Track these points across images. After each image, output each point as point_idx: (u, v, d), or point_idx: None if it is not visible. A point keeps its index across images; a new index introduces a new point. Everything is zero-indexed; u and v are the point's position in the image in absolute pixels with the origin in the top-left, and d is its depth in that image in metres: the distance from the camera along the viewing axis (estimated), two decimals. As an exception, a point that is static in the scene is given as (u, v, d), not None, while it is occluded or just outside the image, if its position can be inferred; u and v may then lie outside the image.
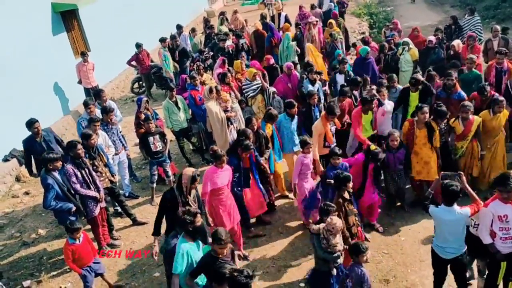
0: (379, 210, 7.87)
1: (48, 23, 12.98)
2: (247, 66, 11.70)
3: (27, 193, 10.23)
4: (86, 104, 9.13)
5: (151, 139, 8.86)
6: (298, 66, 12.59)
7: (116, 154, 8.96)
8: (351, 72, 11.01)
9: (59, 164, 7.16)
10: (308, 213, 7.73)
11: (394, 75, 10.20)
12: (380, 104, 8.85)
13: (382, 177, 7.95)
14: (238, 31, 15.33)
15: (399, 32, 14.29)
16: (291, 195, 8.55)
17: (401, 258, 7.16)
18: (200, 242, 5.54)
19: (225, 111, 9.69)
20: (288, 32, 13.85)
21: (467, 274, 6.22)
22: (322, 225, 5.93)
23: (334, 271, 5.84)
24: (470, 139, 8.04)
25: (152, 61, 14.98)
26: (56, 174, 7.15)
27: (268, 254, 7.52)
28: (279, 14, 17.33)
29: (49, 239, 8.54)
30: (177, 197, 6.26)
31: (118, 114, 10.03)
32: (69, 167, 7.24)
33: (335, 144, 8.47)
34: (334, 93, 10.88)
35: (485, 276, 6.00)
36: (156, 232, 6.47)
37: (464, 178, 5.69)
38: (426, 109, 7.74)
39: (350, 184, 6.57)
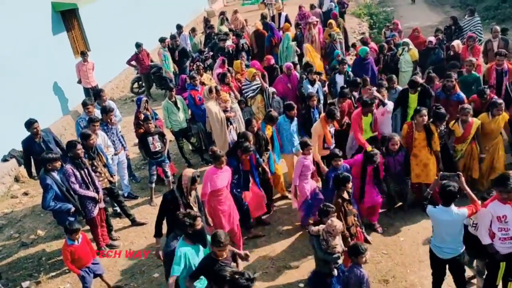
0: (380, 210, 7.87)
1: (48, 22, 12.97)
2: (247, 66, 11.70)
3: (26, 194, 10.22)
4: (84, 104, 9.12)
5: (150, 139, 8.85)
6: (298, 67, 12.58)
7: (115, 154, 8.95)
8: (350, 73, 11.00)
9: (58, 164, 7.15)
10: (308, 215, 7.73)
11: (394, 76, 10.19)
12: (383, 104, 8.85)
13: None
14: (238, 31, 15.32)
15: (400, 32, 14.29)
16: (290, 196, 8.53)
17: (400, 258, 7.16)
18: (200, 246, 5.51)
19: (225, 111, 9.69)
20: (288, 32, 13.85)
21: (471, 273, 6.23)
22: (321, 227, 5.92)
23: (335, 272, 5.83)
24: (470, 141, 8.04)
25: (152, 61, 14.97)
26: (55, 174, 7.14)
27: (268, 254, 7.52)
28: (279, 14, 17.32)
29: (48, 240, 8.53)
30: (178, 198, 6.27)
31: (118, 114, 10.02)
32: (68, 167, 7.23)
33: (334, 145, 8.46)
34: (334, 93, 10.88)
35: (484, 276, 6.00)
36: (157, 234, 6.50)
37: (463, 178, 5.68)
38: (425, 112, 7.73)
39: (350, 185, 6.59)
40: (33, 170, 8.87)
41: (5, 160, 10.71)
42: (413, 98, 8.99)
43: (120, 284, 7.24)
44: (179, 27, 16.37)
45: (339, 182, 6.59)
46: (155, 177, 9.18)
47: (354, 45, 15.26)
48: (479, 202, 5.62)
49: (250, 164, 7.71)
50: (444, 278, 6.01)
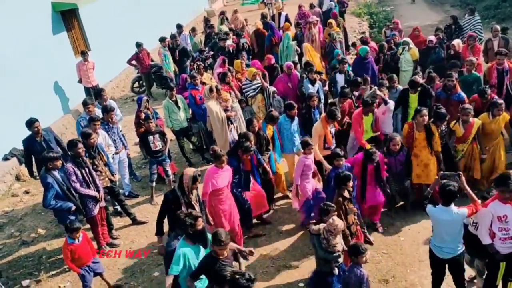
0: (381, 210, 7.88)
1: (48, 22, 12.98)
2: (248, 65, 11.71)
3: (27, 192, 10.23)
4: (85, 104, 9.12)
5: (151, 138, 8.86)
6: (298, 66, 12.58)
7: (116, 153, 8.95)
8: (350, 72, 11.00)
9: (59, 163, 7.17)
10: (309, 215, 7.73)
11: (395, 76, 10.20)
12: (385, 102, 8.87)
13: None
14: (238, 31, 15.33)
15: (400, 32, 14.29)
16: (290, 195, 8.54)
17: (401, 258, 7.16)
18: (201, 247, 5.52)
19: (225, 110, 9.69)
20: (288, 31, 13.85)
21: (473, 273, 6.23)
22: (322, 225, 5.93)
23: (336, 271, 5.83)
24: (470, 141, 8.04)
25: (152, 61, 14.97)
26: (56, 173, 7.15)
27: (268, 254, 7.53)
28: (279, 14, 17.32)
29: (48, 238, 8.54)
30: (179, 197, 6.29)
31: (118, 113, 10.02)
32: (69, 166, 7.24)
33: (335, 145, 8.47)
34: (334, 93, 10.88)
35: (484, 276, 6.00)
36: (159, 232, 6.55)
37: (463, 178, 5.68)
38: (425, 112, 7.72)
39: (350, 183, 6.59)
40: (34, 169, 8.87)
41: (6, 159, 10.73)
42: (414, 98, 9.00)
43: (120, 283, 7.24)
44: (179, 27, 16.37)
45: (340, 181, 6.60)
46: (155, 176, 9.19)
47: (354, 44, 15.26)
48: (479, 202, 5.62)
49: (251, 164, 7.72)
50: (444, 278, 6.02)
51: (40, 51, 12.23)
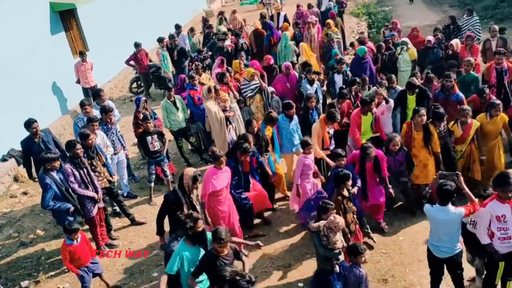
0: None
1: (47, 22, 12.96)
2: (246, 65, 11.71)
3: (25, 193, 10.21)
4: (82, 105, 9.10)
5: (149, 138, 8.85)
6: (297, 66, 12.59)
7: (115, 153, 8.94)
8: (349, 72, 11.00)
9: (57, 164, 7.16)
10: (309, 214, 7.71)
11: (393, 76, 10.19)
12: (386, 101, 8.88)
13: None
14: (237, 31, 15.33)
15: (399, 32, 14.30)
16: (290, 196, 8.52)
17: (400, 258, 7.16)
18: (201, 249, 5.52)
19: (224, 110, 9.69)
20: (286, 31, 13.85)
21: (473, 273, 6.24)
22: (322, 223, 5.94)
23: (337, 268, 5.83)
24: (469, 142, 8.03)
25: (150, 61, 14.96)
26: (54, 174, 7.14)
27: (267, 254, 7.52)
28: (278, 14, 17.32)
29: (47, 239, 8.53)
30: (180, 198, 6.30)
31: (116, 114, 10.01)
32: (68, 166, 7.24)
33: (334, 146, 8.46)
34: (333, 93, 10.89)
35: (483, 276, 6.00)
36: (160, 232, 6.61)
37: (461, 178, 5.69)
38: (423, 111, 7.71)
39: (349, 182, 6.59)
40: (33, 171, 8.84)
41: (4, 159, 10.70)
42: (411, 99, 9.00)
43: (118, 284, 7.24)
44: (177, 27, 16.35)
45: (339, 179, 6.59)
46: (154, 176, 9.18)
47: (352, 45, 15.28)
48: (477, 201, 5.62)
49: (250, 166, 7.71)
50: (443, 278, 6.03)
51: (38, 51, 12.21)
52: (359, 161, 7.35)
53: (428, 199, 5.75)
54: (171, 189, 8.66)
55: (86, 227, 7.87)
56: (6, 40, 11.15)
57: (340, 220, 5.77)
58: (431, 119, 7.91)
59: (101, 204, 7.69)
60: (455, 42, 11.68)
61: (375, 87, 9.43)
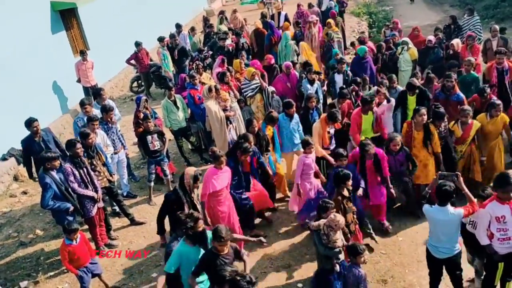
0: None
1: (47, 21, 12.96)
2: (247, 65, 11.70)
3: (25, 193, 10.21)
4: (82, 104, 9.10)
5: (149, 138, 8.84)
6: (297, 66, 12.58)
7: (115, 153, 8.94)
8: (349, 72, 10.98)
9: (57, 163, 7.15)
10: (308, 214, 7.70)
11: (394, 76, 10.18)
12: (388, 100, 8.88)
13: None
14: (238, 30, 15.32)
15: (400, 31, 14.29)
16: (290, 194, 8.51)
17: (399, 258, 7.15)
18: (201, 249, 5.51)
19: (224, 110, 9.68)
20: (287, 31, 13.84)
21: (473, 274, 6.22)
22: (322, 221, 5.93)
23: (338, 267, 5.82)
24: (469, 143, 8.00)
25: (151, 60, 14.95)
26: (54, 173, 7.13)
27: (266, 254, 7.51)
28: (279, 13, 17.32)
29: (46, 239, 8.52)
30: (181, 197, 6.30)
31: (117, 113, 10.00)
32: (68, 166, 7.23)
33: (334, 145, 8.44)
34: (333, 93, 10.87)
35: (482, 277, 5.99)
36: (161, 232, 6.65)
37: (461, 179, 5.67)
38: (424, 111, 7.69)
39: (350, 182, 6.57)
40: (34, 172, 8.84)
41: (4, 159, 10.70)
42: (412, 100, 8.98)
43: (117, 285, 7.22)
44: (178, 26, 16.35)
45: (339, 179, 6.56)
46: (153, 176, 9.18)
47: (353, 44, 15.27)
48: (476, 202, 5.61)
49: (250, 166, 7.69)
50: (442, 278, 6.02)
51: (38, 50, 12.21)
52: (359, 159, 7.34)
53: (428, 199, 5.74)
54: (171, 188, 8.67)
55: (86, 227, 7.86)
56: (7, 40, 11.14)
57: (340, 218, 5.77)
58: (431, 119, 7.89)
59: (101, 204, 7.68)
60: (456, 42, 11.67)
61: (376, 87, 9.40)
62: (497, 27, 12.31)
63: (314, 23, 14.19)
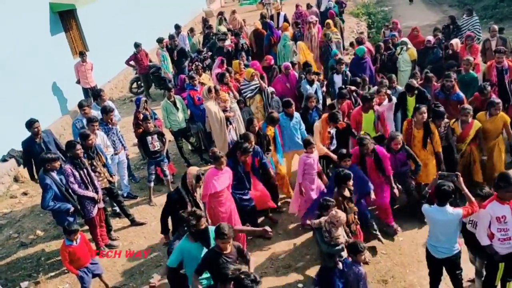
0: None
1: (46, 23, 12.96)
2: (247, 66, 11.71)
3: (25, 194, 10.21)
4: (80, 106, 9.10)
5: (149, 138, 8.86)
6: (297, 66, 12.60)
7: (115, 154, 8.95)
8: (348, 72, 10.98)
9: (57, 164, 7.16)
10: (310, 214, 7.69)
11: (394, 76, 10.19)
12: (390, 99, 8.90)
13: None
14: (237, 31, 15.33)
15: (399, 32, 14.31)
16: (292, 197, 8.50)
17: (399, 258, 7.16)
18: (204, 247, 5.53)
19: (224, 111, 9.69)
20: (286, 31, 13.86)
21: (473, 275, 6.23)
22: (323, 219, 5.94)
23: (340, 265, 5.83)
24: (468, 142, 7.98)
25: (150, 61, 14.96)
26: (54, 174, 7.14)
27: (267, 255, 7.51)
28: (278, 14, 17.34)
29: (47, 240, 8.52)
30: (184, 197, 6.33)
31: (116, 114, 10.00)
32: (68, 167, 7.24)
33: (335, 145, 8.44)
34: (332, 94, 10.88)
35: (483, 278, 6.00)
36: (165, 231, 6.68)
37: (461, 179, 5.68)
38: (424, 109, 7.68)
39: (350, 182, 6.56)
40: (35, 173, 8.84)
41: (4, 160, 10.70)
42: (411, 101, 8.96)
43: (118, 285, 7.22)
44: (177, 27, 16.34)
45: (340, 179, 6.56)
46: (153, 176, 9.19)
47: (352, 44, 15.28)
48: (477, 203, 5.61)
49: (251, 166, 7.69)
50: (442, 278, 6.03)
51: (38, 51, 12.21)
52: (359, 156, 7.33)
53: (428, 199, 5.75)
54: (171, 189, 8.70)
55: (86, 227, 7.86)
56: (6, 41, 11.14)
57: (341, 214, 5.80)
58: (431, 118, 7.89)
59: (101, 205, 7.69)
60: (455, 41, 11.68)
61: (376, 87, 9.40)
62: (496, 27, 12.32)
63: (314, 23, 14.21)
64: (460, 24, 13.81)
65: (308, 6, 17.73)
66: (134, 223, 8.63)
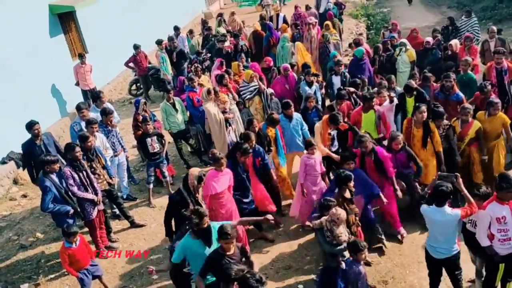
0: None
1: (46, 25, 12.96)
2: (246, 67, 11.71)
3: (24, 196, 10.21)
4: (78, 108, 9.09)
5: (148, 140, 8.86)
6: (295, 68, 12.61)
7: (115, 156, 8.94)
8: (347, 74, 10.97)
9: (56, 166, 7.16)
10: (310, 215, 7.68)
11: (393, 76, 10.18)
12: (391, 100, 8.89)
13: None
14: (236, 32, 15.35)
15: (398, 33, 14.32)
16: (294, 192, 8.48)
17: (400, 259, 7.16)
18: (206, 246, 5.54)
19: (223, 112, 9.68)
20: (285, 33, 13.87)
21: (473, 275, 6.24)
22: (323, 219, 5.95)
23: (343, 265, 5.83)
24: (468, 143, 7.98)
25: (150, 63, 14.97)
26: (53, 176, 7.14)
27: (267, 256, 7.52)
28: (277, 15, 17.36)
29: (47, 242, 8.51)
30: (186, 198, 6.35)
31: (116, 116, 10.00)
32: (67, 169, 7.24)
33: (336, 147, 8.43)
34: (331, 95, 10.89)
35: (483, 279, 6.00)
36: (169, 233, 6.68)
37: (460, 179, 5.68)
38: (424, 108, 7.65)
39: (351, 183, 6.55)
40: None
41: (3, 162, 10.69)
42: (410, 102, 8.95)
43: (117, 287, 7.21)
44: (176, 29, 16.35)
45: (341, 180, 6.54)
46: (153, 178, 9.19)
47: (351, 46, 15.29)
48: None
49: (253, 166, 7.68)
50: (441, 279, 6.03)
51: (37, 53, 12.20)
52: (359, 157, 7.32)
53: (427, 200, 5.75)
54: (170, 191, 8.70)
55: (86, 229, 7.86)
56: (5, 42, 11.14)
57: (341, 212, 5.80)
58: (431, 118, 7.88)
59: (101, 207, 7.69)
60: (454, 42, 11.69)
61: (376, 88, 9.40)
62: (495, 28, 12.36)
63: (313, 25, 14.22)
64: (459, 25, 13.84)
65: (307, 8, 17.76)
66: (133, 225, 8.62)
